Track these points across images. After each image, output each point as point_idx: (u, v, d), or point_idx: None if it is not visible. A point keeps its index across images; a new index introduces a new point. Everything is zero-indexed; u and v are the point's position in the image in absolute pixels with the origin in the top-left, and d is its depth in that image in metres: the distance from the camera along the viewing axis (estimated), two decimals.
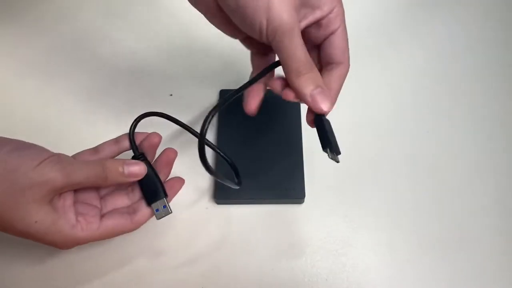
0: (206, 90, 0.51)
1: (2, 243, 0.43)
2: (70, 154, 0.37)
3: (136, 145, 0.39)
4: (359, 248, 0.42)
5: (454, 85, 0.51)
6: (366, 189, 0.45)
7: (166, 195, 0.38)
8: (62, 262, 0.42)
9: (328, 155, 0.34)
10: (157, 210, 0.37)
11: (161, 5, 0.57)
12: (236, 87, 0.50)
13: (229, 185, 0.38)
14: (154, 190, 0.37)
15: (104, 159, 0.38)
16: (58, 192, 0.34)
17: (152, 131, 0.40)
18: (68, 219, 0.35)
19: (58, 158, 0.34)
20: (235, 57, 0.54)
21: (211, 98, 0.50)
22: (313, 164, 0.45)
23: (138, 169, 0.36)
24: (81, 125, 0.49)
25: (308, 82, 0.33)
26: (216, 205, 0.44)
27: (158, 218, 0.37)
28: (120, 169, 0.36)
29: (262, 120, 0.47)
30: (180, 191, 0.43)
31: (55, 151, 0.35)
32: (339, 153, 0.34)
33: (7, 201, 0.32)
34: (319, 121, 0.34)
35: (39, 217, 0.33)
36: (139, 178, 0.37)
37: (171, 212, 0.37)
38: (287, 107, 0.48)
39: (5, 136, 0.35)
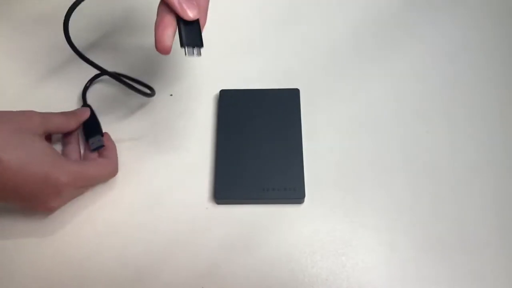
0: (206, 90, 0.51)
1: None
2: None
3: (86, 100, 0.51)
4: (359, 248, 0.42)
5: (453, 85, 0.51)
6: (366, 189, 0.45)
7: (102, 135, 0.47)
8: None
9: (185, 52, 0.38)
10: (92, 143, 0.46)
11: None
12: (236, 87, 0.50)
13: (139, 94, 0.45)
14: (92, 130, 0.48)
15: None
16: (41, 131, 0.41)
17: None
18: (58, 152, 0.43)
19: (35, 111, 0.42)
20: (235, 57, 0.54)
21: (211, 98, 0.50)
22: (313, 164, 0.45)
23: (84, 110, 0.48)
24: None
25: None
26: (216, 205, 0.44)
27: (92, 148, 0.46)
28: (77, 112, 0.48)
29: (262, 119, 0.47)
30: (180, 191, 0.43)
31: None
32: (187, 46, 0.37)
33: (13, 139, 0.38)
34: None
35: (41, 145, 0.40)
36: (87, 117, 0.48)
37: (103, 145, 0.46)
38: (287, 106, 0.48)
39: None
